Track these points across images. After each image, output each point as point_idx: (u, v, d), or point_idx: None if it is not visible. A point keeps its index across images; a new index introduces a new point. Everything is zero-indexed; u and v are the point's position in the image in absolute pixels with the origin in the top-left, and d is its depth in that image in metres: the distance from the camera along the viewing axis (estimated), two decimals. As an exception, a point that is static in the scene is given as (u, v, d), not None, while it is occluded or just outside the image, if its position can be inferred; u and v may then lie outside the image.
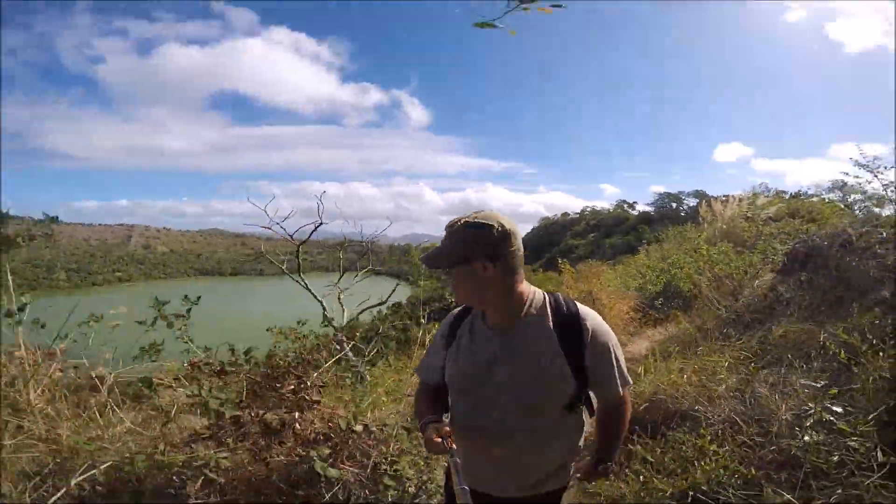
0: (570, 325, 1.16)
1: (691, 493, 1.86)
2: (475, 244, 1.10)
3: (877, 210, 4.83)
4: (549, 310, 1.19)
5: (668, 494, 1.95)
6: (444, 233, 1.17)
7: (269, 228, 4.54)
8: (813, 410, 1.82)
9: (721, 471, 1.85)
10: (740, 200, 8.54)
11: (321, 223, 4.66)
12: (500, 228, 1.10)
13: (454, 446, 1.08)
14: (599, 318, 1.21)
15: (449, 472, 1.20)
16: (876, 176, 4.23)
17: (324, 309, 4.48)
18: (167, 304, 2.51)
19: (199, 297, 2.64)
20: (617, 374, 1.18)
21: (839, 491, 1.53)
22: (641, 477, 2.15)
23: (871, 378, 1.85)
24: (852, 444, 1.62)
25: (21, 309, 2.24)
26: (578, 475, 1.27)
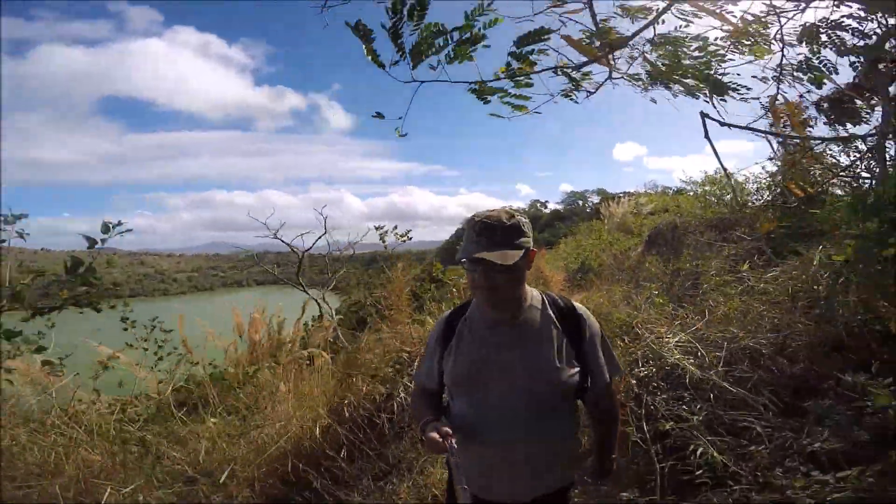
0: (568, 316, 1.22)
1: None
2: (530, 231, 1.16)
3: (727, 198, 6.00)
4: (546, 303, 1.24)
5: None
6: (478, 229, 1.14)
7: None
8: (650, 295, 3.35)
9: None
10: (629, 200, 10.63)
11: (323, 233, 4.76)
12: (527, 220, 1.18)
13: (454, 446, 1.08)
14: (586, 308, 1.28)
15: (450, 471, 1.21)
16: (729, 173, 5.26)
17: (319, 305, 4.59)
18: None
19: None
20: (609, 362, 1.25)
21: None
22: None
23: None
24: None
25: None
26: (588, 478, 1.26)
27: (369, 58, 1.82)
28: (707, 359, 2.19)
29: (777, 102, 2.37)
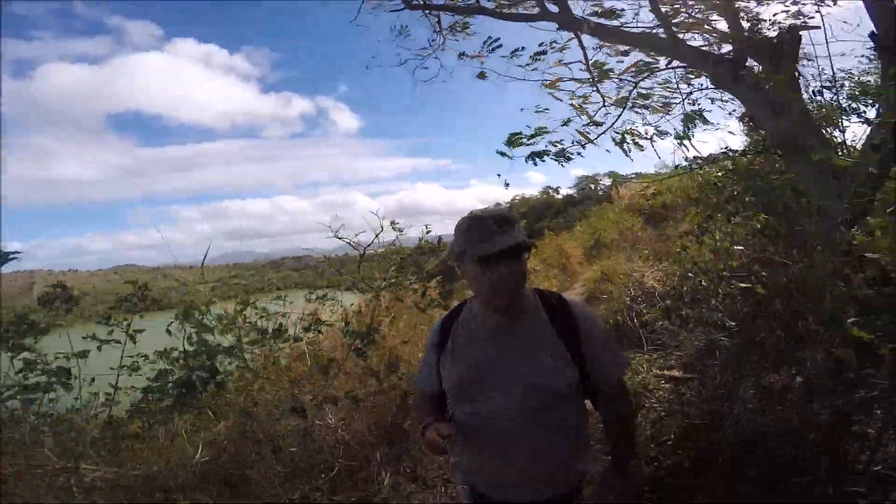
0: (561, 313, 1.18)
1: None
2: (522, 231, 1.13)
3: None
4: (539, 301, 1.21)
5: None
6: (496, 221, 1.11)
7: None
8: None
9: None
10: (637, 182, 11.69)
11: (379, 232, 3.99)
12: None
13: (454, 447, 1.09)
14: (584, 303, 1.25)
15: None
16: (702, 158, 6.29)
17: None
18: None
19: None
20: (613, 358, 1.20)
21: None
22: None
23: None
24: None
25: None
26: (611, 497, 1.18)
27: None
28: (666, 281, 3.58)
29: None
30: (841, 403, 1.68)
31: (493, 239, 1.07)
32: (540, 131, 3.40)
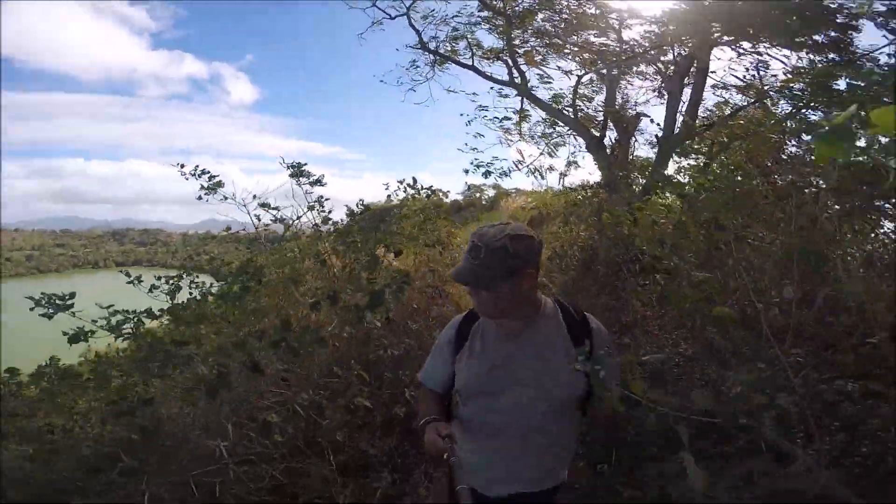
0: (579, 326, 1.25)
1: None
2: (527, 254, 1.14)
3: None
4: (559, 312, 1.26)
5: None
6: (469, 247, 1.15)
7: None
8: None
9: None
10: (518, 196, 12.52)
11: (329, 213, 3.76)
12: (538, 239, 1.19)
13: (454, 446, 1.11)
14: (600, 323, 1.31)
15: (449, 472, 1.26)
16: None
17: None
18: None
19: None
20: (614, 373, 1.23)
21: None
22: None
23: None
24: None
25: None
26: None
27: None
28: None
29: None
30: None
31: (460, 267, 1.16)
32: (493, 161, 5.94)
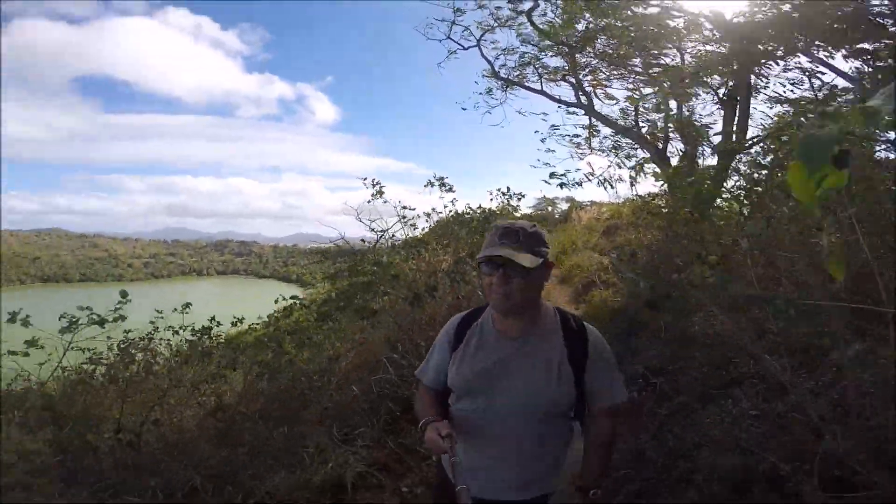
0: (576, 336, 1.23)
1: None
2: (548, 246, 1.18)
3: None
4: (559, 321, 1.25)
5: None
6: (501, 232, 1.18)
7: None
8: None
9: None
10: (593, 208, 13.00)
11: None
12: (546, 235, 1.21)
13: (455, 446, 1.12)
14: (598, 332, 1.28)
15: (443, 473, 1.29)
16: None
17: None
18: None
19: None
20: (612, 387, 1.24)
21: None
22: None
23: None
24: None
25: None
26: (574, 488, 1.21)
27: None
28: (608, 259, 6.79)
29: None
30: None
31: (488, 248, 1.16)
32: (567, 173, 5.98)
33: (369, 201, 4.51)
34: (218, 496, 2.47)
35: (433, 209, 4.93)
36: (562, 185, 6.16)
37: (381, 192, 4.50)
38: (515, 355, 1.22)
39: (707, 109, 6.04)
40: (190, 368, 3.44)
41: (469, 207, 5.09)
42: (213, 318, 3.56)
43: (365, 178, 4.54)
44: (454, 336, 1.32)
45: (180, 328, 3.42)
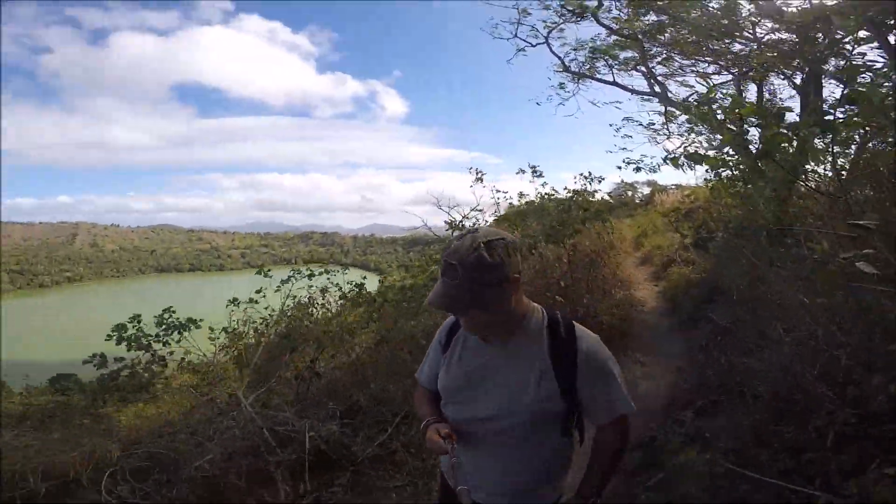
0: (565, 345, 1.14)
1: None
2: (506, 260, 1.06)
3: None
4: (545, 327, 1.17)
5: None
6: (443, 268, 1.08)
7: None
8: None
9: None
10: (677, 191, 13.06)
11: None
12: (511, 238, 1.10)
13: (455, 446, 1.12)
14: (597, 341, 1.18)
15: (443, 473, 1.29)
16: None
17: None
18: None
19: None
20: (609, 400, 1.15)
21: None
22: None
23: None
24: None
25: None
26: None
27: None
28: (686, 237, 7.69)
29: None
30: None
31: (436, 291, 1.08)
32: (643, 158, 6.05)
33: (471, 186, 5.05)
34: (376, 414, 3.28)
35: (521, 192, 5.51)
36: (637, 170, 6.25)
37: (480, 179, 5.04)
38: (494, 363, 1.18)
39: (787, 93, 5.97)
40: (352, 313, 4.80)
41: (553, 189, 5.57)
42: (362, 281, 4.95)
43: (471, 168, 5.12)
44: (445, 339, 1.29)
45: (339, 288, 4.78)
